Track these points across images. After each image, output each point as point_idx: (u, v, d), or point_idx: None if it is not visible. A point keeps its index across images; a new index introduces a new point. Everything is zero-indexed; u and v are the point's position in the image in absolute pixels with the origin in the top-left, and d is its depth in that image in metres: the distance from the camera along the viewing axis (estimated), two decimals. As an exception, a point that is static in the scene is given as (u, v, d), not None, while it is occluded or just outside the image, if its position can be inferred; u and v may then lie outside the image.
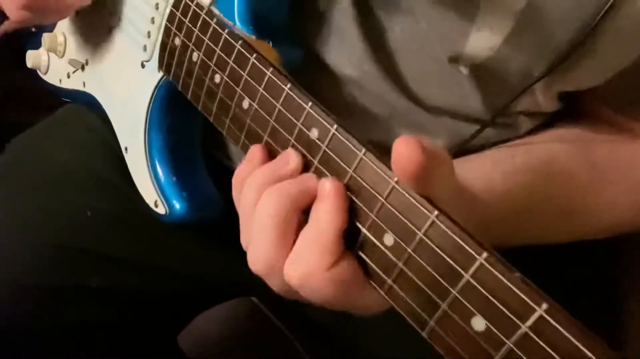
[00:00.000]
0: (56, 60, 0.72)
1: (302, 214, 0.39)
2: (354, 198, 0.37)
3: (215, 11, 0.49)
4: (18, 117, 0.87)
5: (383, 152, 0.37)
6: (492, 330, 0.30)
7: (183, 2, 0.51)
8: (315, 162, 0.39)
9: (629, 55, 0.51)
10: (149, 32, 0.57)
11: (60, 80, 0.73)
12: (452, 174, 0.38)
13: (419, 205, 0.34)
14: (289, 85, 0.41)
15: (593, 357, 0.27)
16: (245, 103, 0.45)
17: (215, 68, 0.48)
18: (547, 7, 0.48)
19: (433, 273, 0.33)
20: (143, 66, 0.59)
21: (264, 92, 0.43)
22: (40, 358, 0.66)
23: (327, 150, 0.39)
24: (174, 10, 0.52)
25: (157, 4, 0.55)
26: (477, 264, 0.31)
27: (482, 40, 0.50)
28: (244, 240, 0.43)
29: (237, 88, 0.45)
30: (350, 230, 0.37)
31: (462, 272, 0.32)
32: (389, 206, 0.35)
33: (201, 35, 0.49)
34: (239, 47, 0.45)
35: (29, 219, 0.68)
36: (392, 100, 0.55)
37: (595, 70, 0.52)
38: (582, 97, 0.57)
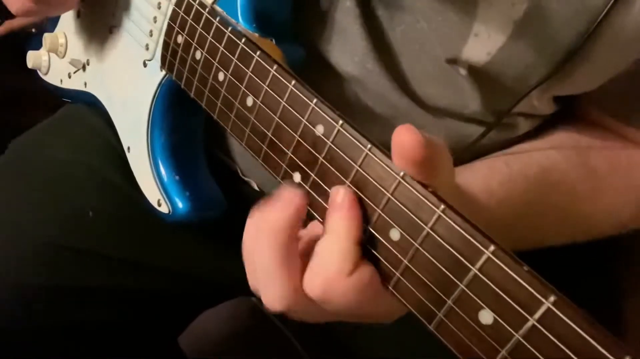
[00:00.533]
0: (57, 60, 0.72)
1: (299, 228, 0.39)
2: (360, 193, 0.37)
3: (218, 9, 0.49)
4: (19, 118, 0.87)
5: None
6: (500, 323, 0.31)
7: (186, 1, 0.51)
8: (321, 158, 0.39)
9: (623, 61, 0.52)
10: (151, 31, 0.57)
11: (61, 81, 0.73)
12: (452, 165, 0.38)
13: (425, 200, 0.34)
14: (293, 82, 0.41)
15: (601, 349, 0.27)
16: (250, 101, 0.45)
17: (218, 66, 0.48)
18: (545, 16, 0.48)
19: (440, 266, 0.33)
20: (145, 65, 0.59)
21: (268, 89, 0.43)
22: (40, 358, 0.66)
23: (333, 146, 0.39)
24: (177, 9, 0.52)
25: (159, 3, 0.55)
26: (484, 257, 0.31)
27: (480, 45, 0.50)
28: (252, 284, 0.43)
29: (241, 86, 0.46)
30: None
31: (470, 265, 0.32)
32: (395, 201, 0.35)
33: (204, 34, 0.49)
34: (243, 44, 0.45)
35: (29, 219, 0.68)
36: (394, 99, 0.55)
37: (590, 75, 0.53)
38: (576, 100, 0.58)
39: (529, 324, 0.29)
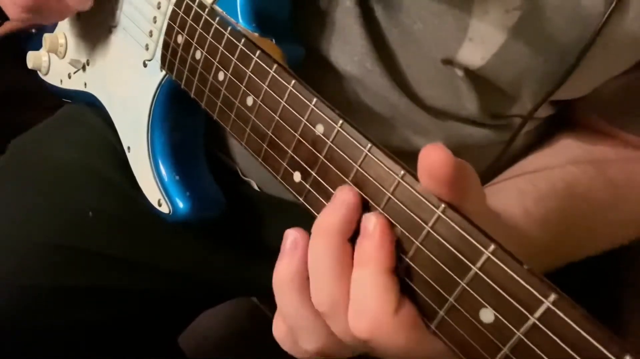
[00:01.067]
0: (57, 60, 0.72)
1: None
2: (360, 192, 0.37)
3: (218, 9, 0.49)
4: (19, 118, 0.86)
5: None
6: (500, 322, 0.31)
7: (185, 1, 0.51)
8: (321, 158, 0.40)
9: (616, 67, 0.53)
10: (151, 31, 0.57)
11: (61, 81, 0.73)
12: (481, 188, 0.37)
13: (425, 200, 0.34)
14: (293, 82, 0.42)
15: (601, 347, 0.27)
16: (250, 100, 0.45)
17: (218, 65, 0.48)
18: (539, 24, 0.49)
19: (441, 265, 0.33)
20: (145, 65, 0.59)
21: (268, 89, 0.43)
22: (40, 358, 0.66)
23: (333, 146, 0.39)
24: (177, 9, 0.52)
25: (159, 3, 0.55)
26: (484, 257, 0.31)
27: (474, 49, 0.51)
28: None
29: (241, 86, 0.46)
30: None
31: (470, 265, 0.32)
32: (396, 200, 0.35)
33: (204, 34, 0.49)
34: (243, 44, 0.45)
35: (29, 219, 0.68)
36: (394, 99, 0.55)
37: (583, 81, 0.53)
38: (573, 104, 0.58)
39: (530, 322, 0.30)
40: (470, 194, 0.34)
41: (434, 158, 0.33)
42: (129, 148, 0.63)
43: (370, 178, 0.37)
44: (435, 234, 0.33)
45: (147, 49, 0.58)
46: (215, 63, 0.48)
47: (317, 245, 0.38)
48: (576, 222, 0.54)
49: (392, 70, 0.54)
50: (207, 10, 0.49)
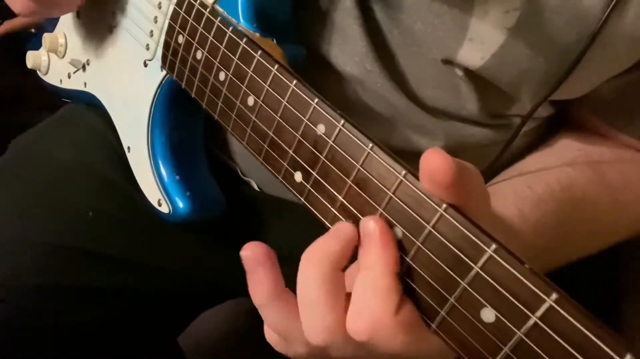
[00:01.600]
0: (57, 60, 0.72)
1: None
2: (361, 192, 0.37)
3: (219, 9, 0.49)
4: (19, 118, 0.87)
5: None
6: (502, 321, 0.31)
7: (187, 1, 0.51)
8: (322, 158, 0.40)
9: (615, 67, 0.53)
10: (151, 31, 0.57)
11: (60, 81, 0.73)
12: (486, 190, 0.37)
13: (427, 199, 0.34)
14: (294, 82, 0.42)
15: (603, 346, 0.27)
16: (251, 100, 0.45)
17: (219, 65, 0.48)
18: (538, 25, 0.49)
19: (442, 265, 0.33)
20: (146, 65, 0.59)
21: (269, 89, 0.43)
22: (40, 358, 0.66)
23: (334, 145, 0.39)
24: (178, 9, 0.52)
25: (159, 3, 0.55)
26: (486, 256, 0.31)
27: (474, 49, 0.51)
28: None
29: (242, 86, 0.46)
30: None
31: (472, 264, 0.32)
32: (397, 200, 0.35)
33: (205, 33, 0.49)
34: (244, 44, 0.45)
35: (29, 219, 0.68)
36: (394, 99, 0.56)
37: (583, 81, 0.53)
38: (572, 104, 0.58)
39: (531, 321, 0.30)
40: (474, 195, 0.34)
41: (434, 164, 0.33)
42: (129, 148, 0.63)
43: (372, 178, 0.37)
44: (436, 233, 0.33)
45: (147, 48, 0.58)
46: (217, 63, 0.48)
47: (307, 272, 0.37)
48: (574, 225, 0.54)
49: (392, 70, 0.54)
50: (208, 9, 0.49)
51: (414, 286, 0.35)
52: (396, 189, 0.35)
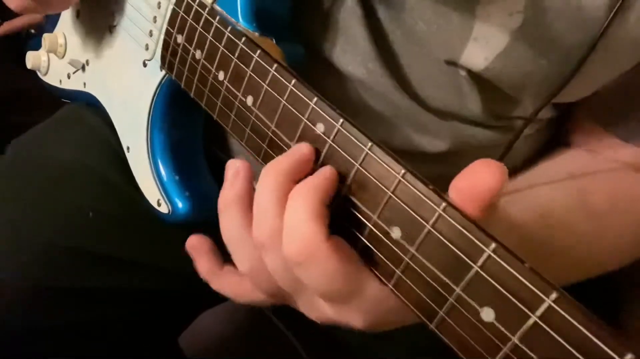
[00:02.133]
0: (56, 61, 0.72)
1: None
2: (361, 191, 0.37)
3: (218, 9, 0.49)
4: (19, 118, 0.87)
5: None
6: (501, 320, 0.31)
7: (185, 1, 0.51)
8: (322, 157, 0.40)
9: (617, 69, 0.53)
10: (150, 31, 0.57)
11: (60, 81, 0.73)
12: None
13: (425, 198, 0.34)
14: (293, 81, 0.41)
15: (603, 346, 0.27)
16: (250, 100, 0.45)
17: (219, 65, 0.48)
18: (542, 27, 0.49)
19: (442, 264, 0.33)
20: (145, 65, 0.59)
21: (268, 88, 0.43)
22: (40, 358, 0.66)
23: (333, 144, 0.39)
24: (176, 9, 0.52)
25: (159, 3, 0.55)
26: (485, 255, 0.31)
27: (478, 50, 0.51)
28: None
29: (241, 85, 0.46)
30: (357, 224, 0.37)
31: (471, 263, 0.32)
32: (396, 199, 0.35)
33: (204, 33, 0.49)
34: (243, 44, 0.45)
35: (29, 219, 0.68)
36: (396, 99, 0.55)
37: (584, 83, 0.53)
38: (574, 106, 0.58)
39: (531, 321, 0.29)
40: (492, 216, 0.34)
41: (484, 178, 0.32)
42: (128, 148, 0.63)
43: (371, 177, 0.37)
44: (436, 233, 0.33)
45: (147, 48, 0.58)
46: (216, 63, 0.48)
47: (264, 182, 0.39)
48: (548, 255, 0.51)
49: (394, 70, 0.54)
50: (207, 9, 0.49)
51: (413, 286, 0.35)
52: (395, 188, 0.35)
